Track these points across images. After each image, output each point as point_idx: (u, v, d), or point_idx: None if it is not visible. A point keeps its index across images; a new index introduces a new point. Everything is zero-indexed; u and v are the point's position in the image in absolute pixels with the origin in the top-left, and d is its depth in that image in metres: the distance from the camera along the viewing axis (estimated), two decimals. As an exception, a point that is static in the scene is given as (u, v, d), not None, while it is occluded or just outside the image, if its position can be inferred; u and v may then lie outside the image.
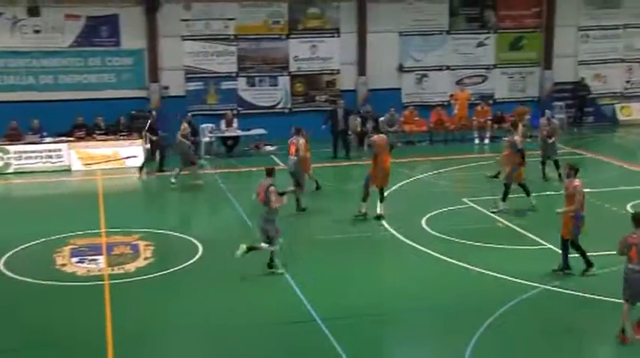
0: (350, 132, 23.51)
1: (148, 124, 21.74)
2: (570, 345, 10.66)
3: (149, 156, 21.62)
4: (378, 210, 16.26)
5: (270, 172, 13.27)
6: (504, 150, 17.11)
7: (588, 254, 12.92)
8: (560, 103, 27.34)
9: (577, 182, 12.81)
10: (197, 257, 14.18)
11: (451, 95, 26.29)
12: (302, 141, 17.42)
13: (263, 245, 13.10)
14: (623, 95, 28.33)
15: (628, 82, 28.30)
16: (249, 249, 12.99)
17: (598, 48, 27.87)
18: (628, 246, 10.35)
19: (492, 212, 16.47)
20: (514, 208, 16.96)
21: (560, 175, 17.97)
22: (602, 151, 23.16)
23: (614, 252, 13.18)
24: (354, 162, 22.15)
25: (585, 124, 27.65)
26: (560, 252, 12.97)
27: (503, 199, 16.53)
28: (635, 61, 28.18)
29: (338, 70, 26.26)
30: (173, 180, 19.54)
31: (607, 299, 11.66)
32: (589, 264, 12.82)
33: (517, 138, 16.74)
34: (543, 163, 19.24)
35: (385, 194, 16.49)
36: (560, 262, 12.92)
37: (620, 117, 27.95)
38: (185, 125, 20.27)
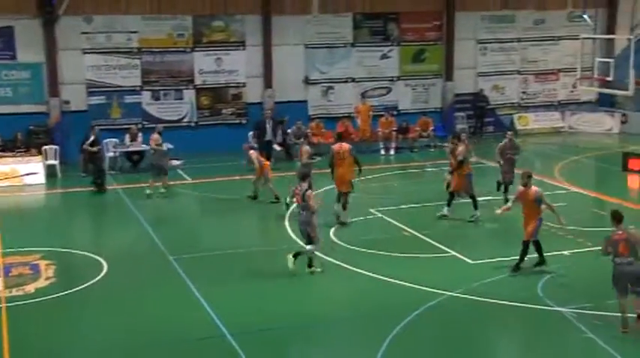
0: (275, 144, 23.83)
1: (91, 139, 21.35)
2: (475, 350, 10.93)
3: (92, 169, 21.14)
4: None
5: (304, 177, 13.86)
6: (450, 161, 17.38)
7: (493, 259, 13.37)
8: (461, 114, 28.17)
9: (535, 188, 13.47)
10: (102, 275, 13.80)
11: (355, 107, 26.64)
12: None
13: (307, 247, 13.71)
14: (520, 105, 29.41)
15: (524, 92, 29.40)
16: (295, 256, 13.63)
17: (496, 60, 28.85)
18: (615, 243, 10.88)
19: (470, 221, 16.75)
20: (421, 218, 17.31)
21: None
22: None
23: (519, 257, 13.68)
24: (280, 174, 22.16)
25: (486, 134, 28.50)
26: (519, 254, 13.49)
27: (475, 207, 16.81)
28: (530, 73, 29.32)
29: (244, 83, 26.17)
30: (148, 191, 19.71)
31: (510, 303, 12.02)
32: (543, 261, 13.44)
33: (461, 148, 16.92)
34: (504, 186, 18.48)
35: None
36: (536, 260, 13.54)
37: (518, 126, 28.96)
38: (156, 136, 20.24)
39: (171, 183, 21.02)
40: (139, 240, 16.24)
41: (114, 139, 23.63)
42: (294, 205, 15.20)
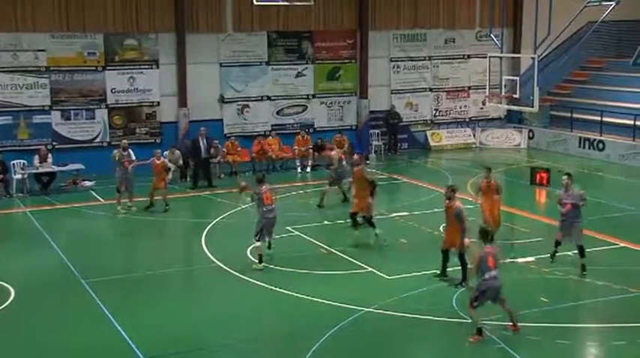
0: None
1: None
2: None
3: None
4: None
5: (261, 180, 15.14)
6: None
7: (409, 274, 13.56)
8: (376, 131, 28.58)
9: (458, 203, 13.83)
10: (8, 302, 13.26)
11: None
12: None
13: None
14: (433, 122, 30.08)
15: (436, 109, 30.09)
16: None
17: (408, 78, 29.45)
18: (484, 258, 11.20)
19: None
20: (337, 234, 17.41)
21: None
22: (417, 176, 24.38)
23: (431, 271, 13.98)
24: (217, 191, 21.91)
25: (400, 150, 28.99)
26: (442, 262, 13.98)
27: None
28: (442, 90, 30.05)
29: (158, 102, 25.83)
30: (130, 205, 19.95)
31: (426, 317, 12.20)
32: (464, 278, 13.54)
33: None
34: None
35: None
36: (440, 269, 14.01)
37: (432, 143, 29.62)
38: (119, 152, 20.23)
39: (82, 204, 20.54)
40: (50, 263, 15.72)
41: (22, 161, 22.87)
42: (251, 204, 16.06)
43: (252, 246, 15.32)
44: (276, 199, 15.49)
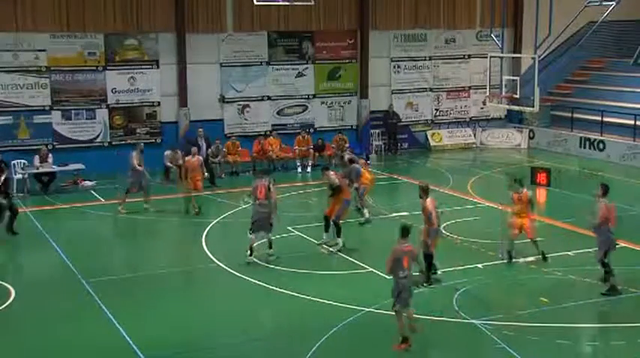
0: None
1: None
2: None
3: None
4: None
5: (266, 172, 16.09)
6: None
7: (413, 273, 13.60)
8: (376, 131, 28.58)
9: (426, 201, 13.98)
10: (9, 302, 13.27)
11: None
12: None
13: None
14: (434, 122, 30.08)
15: (437, 109, 30.09)
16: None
17: (409, 78, 29.44)
18: (399, 257, 11.10)
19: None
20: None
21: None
22: (417, 176, 24.30)
23: (438, 271, 13.95)
24: (219, 191, 21.91)
25: (400, 150, 28.99)
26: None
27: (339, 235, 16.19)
28: (442, 90, 30.04)
29: (158, 102, 25.84)
30: (147, 206, 19.82)
31: (427, 317, 12.19)
32: (428, 278, 13.64)
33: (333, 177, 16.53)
34: None
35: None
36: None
37: (432, 143, 29.62)
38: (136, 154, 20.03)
39: (83, 204, 20.56)
40: (51, 264, 15.73)
41: (22, 160, 22.88)
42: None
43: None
44: (271, 196, 15.25)
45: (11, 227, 17.77)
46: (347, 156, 19.28)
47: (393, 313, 11.26)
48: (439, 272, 14.12)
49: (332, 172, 16.81)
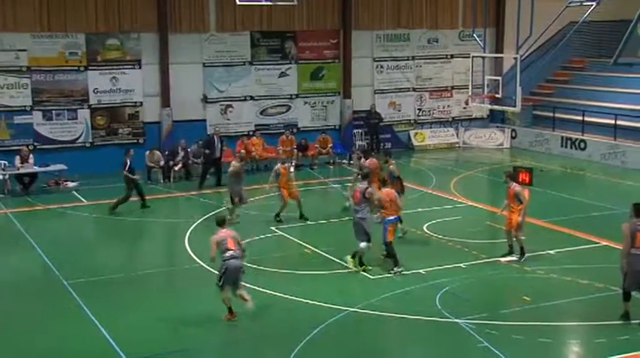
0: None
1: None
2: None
3: None
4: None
5: (365, 176, 15.03)
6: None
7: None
8: (359, 131, 28.61)
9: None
10: (-10, 304, 13.17)
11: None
12: None
13: (361, 245, 14.34)
14: (417, 122, 30.15)
15: (419, 109, 30.17)
16: (353, 256, 14.44)
17: (392, 78, 29.50)
18: (224, 240, 12.04)
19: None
20: (321, 234, 17.42)
21: None
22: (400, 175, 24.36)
23: (415, 271, 14.06)
24: (204, 192, 21.94)
25: (382, 150, 28.96)
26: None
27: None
28: (425, 90, 30.13)
29: (141, 102, 25.71)
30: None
31: (410, 317, 12.23)
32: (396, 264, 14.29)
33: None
34: None
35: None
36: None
37: (415, 142, 29.69)
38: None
39: (65, 205, 20.43)
40: (32, 265, 15.61)
41: (3, 161, 22.68)
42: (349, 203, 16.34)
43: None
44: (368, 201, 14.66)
45: None
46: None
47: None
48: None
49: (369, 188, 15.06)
